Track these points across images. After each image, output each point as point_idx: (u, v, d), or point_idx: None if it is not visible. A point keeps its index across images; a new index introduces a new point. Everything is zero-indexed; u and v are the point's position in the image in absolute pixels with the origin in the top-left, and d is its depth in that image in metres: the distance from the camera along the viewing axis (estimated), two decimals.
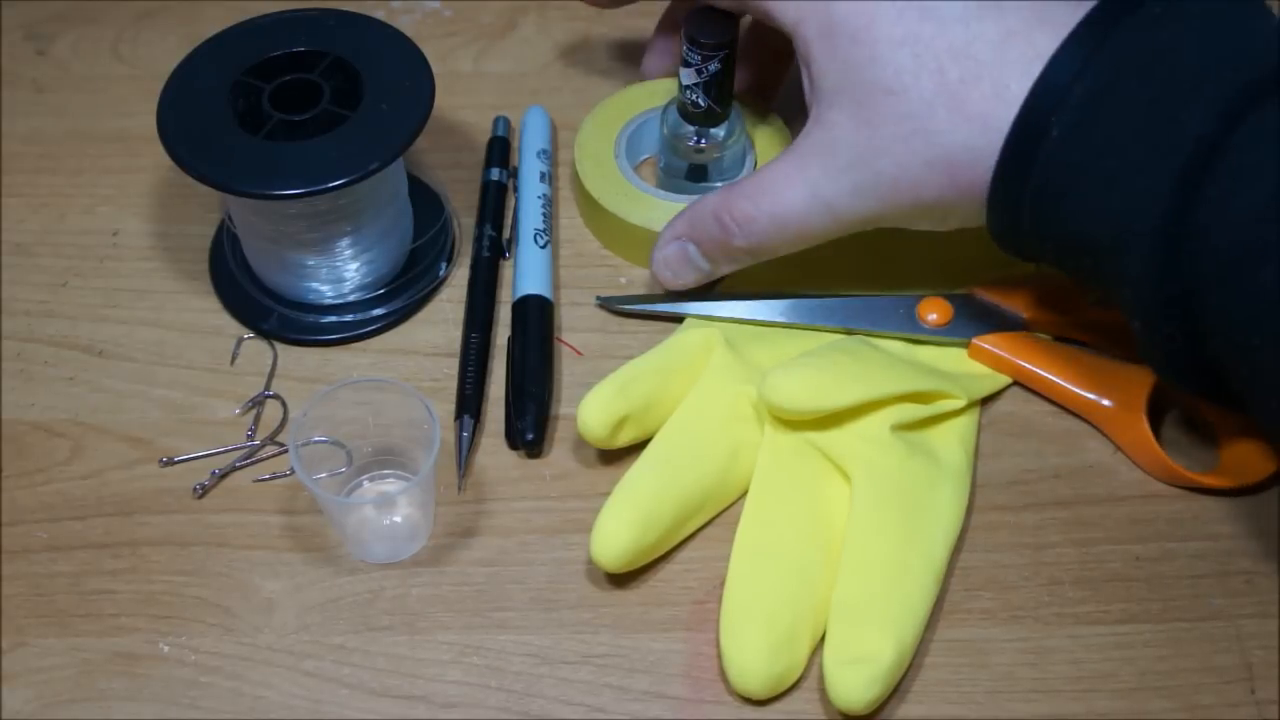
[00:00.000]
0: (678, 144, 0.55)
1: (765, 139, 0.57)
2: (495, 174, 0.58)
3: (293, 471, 0.48)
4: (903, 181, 0.45)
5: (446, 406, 0.51)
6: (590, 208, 0.56)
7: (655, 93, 0.59)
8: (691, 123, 0.54)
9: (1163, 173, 0.40)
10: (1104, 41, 0.41)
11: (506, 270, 0.56)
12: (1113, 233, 0.41)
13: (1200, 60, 0.40)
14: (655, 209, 0.55)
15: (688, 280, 0.52)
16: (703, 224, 0.50)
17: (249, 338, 0.54)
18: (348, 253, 0.53)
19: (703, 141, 0.55)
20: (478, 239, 0.56)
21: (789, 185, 0.48)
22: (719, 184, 0.55)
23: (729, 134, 0.55)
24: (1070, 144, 0.42)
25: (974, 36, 0.44)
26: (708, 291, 0.54)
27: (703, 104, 0.53)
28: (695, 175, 0.56)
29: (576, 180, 0.57)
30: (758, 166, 0.56)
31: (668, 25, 0.59)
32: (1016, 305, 0.52)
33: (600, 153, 0.57)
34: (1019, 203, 0.43)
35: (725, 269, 0.52)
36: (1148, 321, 0.42)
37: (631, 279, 0.56)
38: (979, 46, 0.43)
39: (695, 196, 0.53)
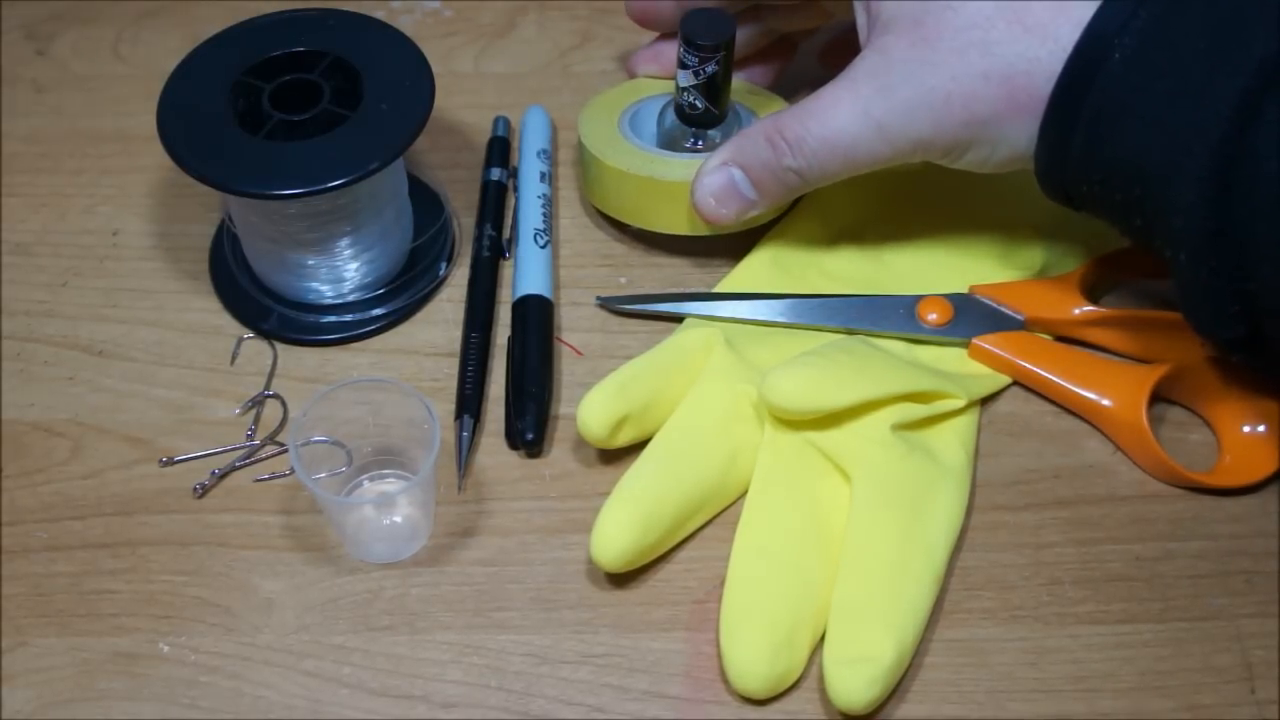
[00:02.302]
0: (674, 145, 0.55)
1: None
2: (495, 174, 0.58)
3: (293, 471, 0.48)
4: (956, 96, 0.45)
5: (446, 406, 0.51)
6: (599, 174, 0.55)
7: (653, 82, 0.58)
8: (688, 124, 0.54)
9: (1223, 94, 0.40)
10: None
11: (506, 270, 0.56)
12: (1168, 156, 0.41)
13: None
14: (662, 165, 0.54)
15: (730, 213, 0.52)
16: (751, 147, 0.50)
17: (249, 338, 0.54)
18: (348, 253, 0.53)
19: (699, 143, 0.55)
20: (478, 239, 0.56)
21: (838, 106, 0.47)
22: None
23: (725, 136, 0.55)
24: (1132, 66, 0.42)
25: None
26: (708, 291, 0.54)
27: (700, 106, 0.53)
28: None
29: (582, 150, 0.56)
30: None
31: (669, 33, 0.59)
32: (1016, 305, 0.52)
33: (603, 129, 0.56)
34: (1073, 127, 0.43)
35: (770, 198, 0.51)
36: (1194, 253, 0.42)
37: (631, 279, 0.56)
38: None
39: (701, 156, 0.53)
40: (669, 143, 0.56)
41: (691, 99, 0.53)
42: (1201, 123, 0.40)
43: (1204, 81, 0.40)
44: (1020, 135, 0.45)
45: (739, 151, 0.51)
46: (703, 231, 0.54)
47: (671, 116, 0.55)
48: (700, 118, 0.54)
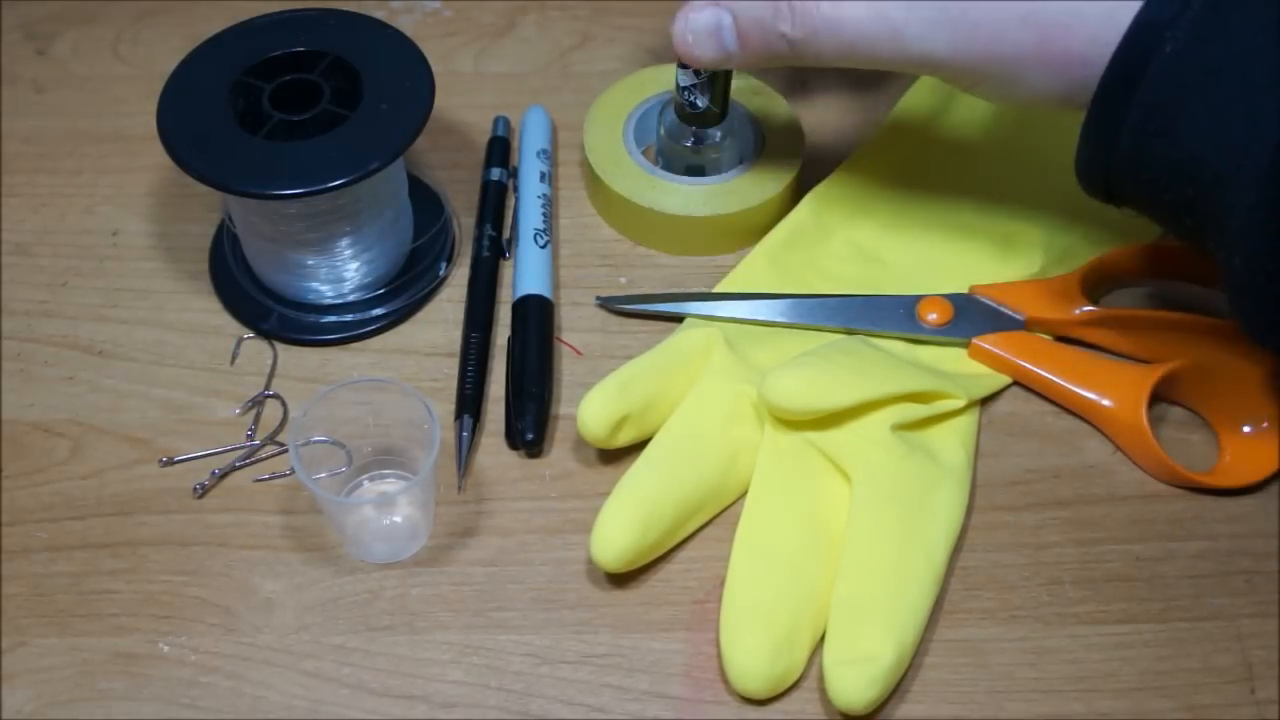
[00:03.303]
0: (675, 145, 0.55)
1: (774, 125, 0.57)
2: (495, 174, 0.58)
3: (293, 471, 0.48)
4: (985, 26, 0.43)
5: (446, 406, 0.51)
6: (600, 191, 0.56)
7: (660, 79, 0.59)
8: (689, 123, 0.55)
9: None
10: None
11: (506, 270, 0.56)
12: (1224, 157, 0.39)
13: None
14: (663, 193, 0.55)
15: (705, 55, 0.48)
16: None
17: (249, 338, 0.54)
18: (348, 253, 0.53)
19: (699, 143, 0.55)
20: (478, 239, 0.56)
21: None
22: (715, 180, 0.55)
23: (726, 134, 0.55)
24: (1184, 61, 0.40)
25: None
26: (708, 291, 0.54)
27: (700, 105, 0.53)
28: (692, 175, 0.56)
29: (586, 164, 0.57)
30: (765, 149, 0.56)
31: None
32: (1016, 305, 0.52)
33: (608, 140, 0.57)
34: (1120, 124, 0.41)
35: (752, 57, 0.48)
36: (1249, 258, 0.40)
37: (631, 279, 0.56)
38: None
39: (703, 182, 0.54)
40: (670, 146, 0.56)
41: (692, 98, 0.53)
42: (1261, 122, 0.38)
43: (1262, 78, 0.39)
44: (1039, 84, 0.43)
45: None
46: (700, 254, 0.55)
47: (672, 115, 0.55)
48: (701, 116, 0.54)
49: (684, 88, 0.53)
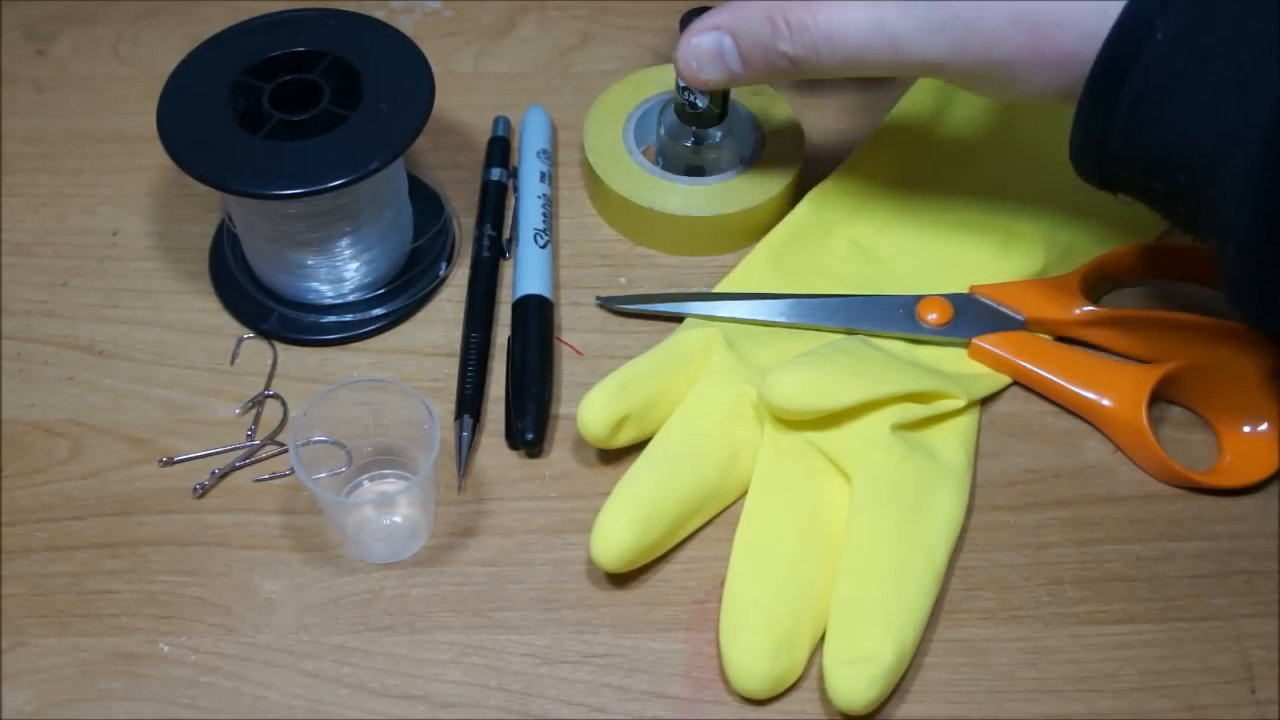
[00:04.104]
0: (675, 145, 0.55)
1: (774, 125, 0.57)
2: (495, 174, 0.58)
3: (293, 471, 0.48)
4: (979, 30, 0.43)
5: (446, 406, 0.51)
6: (600, 191, 0.56)
7: (660, 79, 0.59)
8: (689, 123, 0.55)
9: (1274, 79, 0.38)
10: None
11: (506, 270, 0.56)
12: (1215, 145, 0.40)
13: None
14: (663, 192, 0.55)
15: (710, 78, 0.49)
16: (749, 18, 0.47)
17: (249, 338, 0.54)
18: (348, 253, 0.53)
19: (699, 143, 0.55)
20: (478, 239, 0.56)
21: (853, 4, 0.45)
22: (715, 180, 0.55)
23: (726, 134, 0.55)
24: (1175, 48, 0.40)
25: None
26: (708, 291, 0.54)
27: (700, 105, 0.53)
28: (692, 175, 0.56)
29: (586, 164, 0.57)
30: (765, 150, 0.56)
31: None
32: (1016, 305, 0.52)
33: (608, 139, 0.57)
34: (1112, 111, 0.42)
35: (755, 75, 0.49)
36: (1241, 244, 0.40)
37: (631, 279, 0.56)
38: None
39: (702, 182, 0.54)
40: (670, 146, 0.56)
41: (692, 98, 0.53)
42: (1251, 110, 0.38)
43: (1253, 65, 0.39)
44: (1036, 82, 0.44)
45: (735, 20, 0.48)
46: (700, 254, 0.55)
47: (672, 115, 0.55)
48: (701, 116, 0.54)
49: (684, 88, 0.53)
